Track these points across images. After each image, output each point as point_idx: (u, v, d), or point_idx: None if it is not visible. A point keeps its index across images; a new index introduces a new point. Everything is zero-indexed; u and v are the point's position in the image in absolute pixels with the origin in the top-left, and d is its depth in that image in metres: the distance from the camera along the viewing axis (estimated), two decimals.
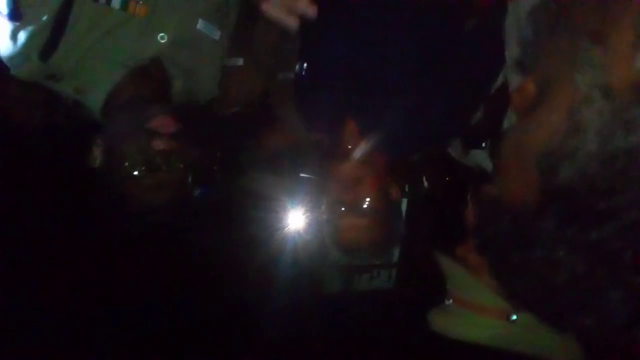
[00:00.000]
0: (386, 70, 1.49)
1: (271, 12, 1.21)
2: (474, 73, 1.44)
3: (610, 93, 0.55)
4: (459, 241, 1.08)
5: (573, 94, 0.58)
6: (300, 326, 2.24)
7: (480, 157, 1.56)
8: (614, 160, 0.53)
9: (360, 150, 1.46)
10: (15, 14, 1.30)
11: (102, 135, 1.46)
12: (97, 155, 1.45)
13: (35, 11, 1.33)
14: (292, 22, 1.19)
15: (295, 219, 1.74)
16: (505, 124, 1.36)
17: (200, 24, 1.53)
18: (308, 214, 1.69)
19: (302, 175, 1.68)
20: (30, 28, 1.33)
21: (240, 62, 1.71)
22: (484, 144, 1.54)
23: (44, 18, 1.33)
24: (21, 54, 1.37)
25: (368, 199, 1.42)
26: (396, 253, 2.25)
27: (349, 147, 1.49)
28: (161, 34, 1.47)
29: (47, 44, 1.36)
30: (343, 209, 1.44)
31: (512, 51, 1.24)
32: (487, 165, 1.51)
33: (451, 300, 1.11)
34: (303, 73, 1.60)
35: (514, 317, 1.01)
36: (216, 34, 1.57)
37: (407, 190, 1.61)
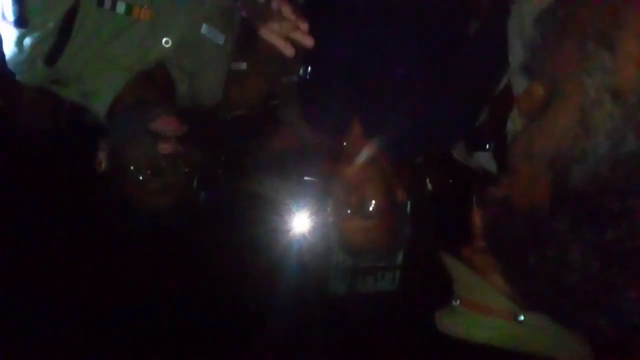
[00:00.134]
0: (390, 73, 1.50)
1: (269, 38, 1.25)
2: (478, 75, 1.45)
3: (620, 96, 0.55)
4: (464, 243, 1.09)
5: (582, 98, 0.58)
6: (305, 328, 2.25)
7: (484, 159, 1.56)
8: (625, 162, 0.54)
9: (365, 153, 1.46)
10: (21, 21, 1.31)
11: (107, 139, 1.46)
12: (102, 160, 1.45)
13: (41, 18, 1.34)
14: (288, 51, 1.25)
15: (301, 222, 1.75)
16: (509, 125, 1.36)
17: (204, 29, 1.54)
18: (313, 217, 1.69)
19: (307, 178, 1.68)
20: (36, 34, 1.34)
21: (244, 66, 1.72)
22: (487, 146, 1.54)
23: (50, 24, 1.34)
24: (27, 60, 1.37)
25: (374, 201, 1.42)
26: (401, 255, 2.25)
27: (354, 149, 1.49)
28: (165, 39, 1.48)
29: (52, 49, 1.36)
30: (349, 211, 1.44)
31: (516, 54, 1.25)
32: (491, 167, 1.52)
33: (458, 302, 1.12)
34: (307, 76, 1.60)
35: (521, 317, 1.02)
36: (220, 39, 1.57)
37: (411, 192, 1.61)
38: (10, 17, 1.32)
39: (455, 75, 1.46)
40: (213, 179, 1.71)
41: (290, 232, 1.76)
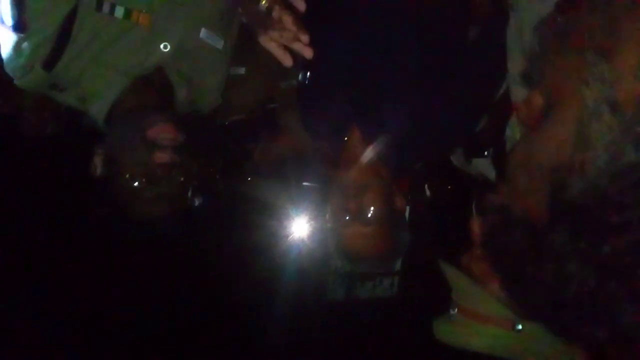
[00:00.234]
0: (389, 79, 1.49)
1: (268, 47, 1.25)
2: (477, 82, 1.45)
3: (619, 108, 0.55)
4: (462, 250, 1.08)
5: (581, 109, 0.58)
6: (303, 333, 2.24)
7: (483, 166, 1.56)
8: (624, 175, 0.53)
9: (364, 159, 1.46)
10: (20, 26, 1.31)
11: (103, 144, 1.46)
12: (98, 164, 1.45)
13: (40, 23, 1.33)
14: (287, 61, 1.26)
15: (299, 228, 1.75)
16: (508, 132, 1.36)
17: (203, 33, 1.53)
18: (312, 223, 1.69)
19: (305, 183, 1.68)
20: (34, 39, 1.34)
21: (242, 71, 1.72)
22: (486, 153, 1.54)
23: (49, 29, 1.34)
24: (25, 65, 1.37)
25: (373, 208, 1.42)
26: (399, 261, 2.25)
27: (353, 155, 1.49)
28: (164, 43, 1.47)
29: (51, 54, 1.36)
30: (348, 217, 1.44)
31: (515, 62, 1.24)
32: (490, 173, 1.51)
33: (456, 310, 1.11)
34: (306, 82, 1.60)
35: (519, 326, 1.02)
36: (219, 43, 1.57)
37: (409, 198, 1.61)
38: (9, 21, 1.32)
39: (454, 82, 1.46)
40: (211, 183, 1.70)
41: (289, 238, 1.76)
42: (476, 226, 0.96)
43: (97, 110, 1.45)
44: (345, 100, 1.52)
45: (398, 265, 2.30)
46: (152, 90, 1.49)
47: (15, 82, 1.43)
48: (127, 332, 2.02)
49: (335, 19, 1.52)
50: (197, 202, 1.51)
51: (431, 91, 1.47)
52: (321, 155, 1.65)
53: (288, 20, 1.24)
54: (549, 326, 0.71)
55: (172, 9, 1.47)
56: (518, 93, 1.23)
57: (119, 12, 1.40)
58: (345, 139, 1.53)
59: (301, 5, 1.26)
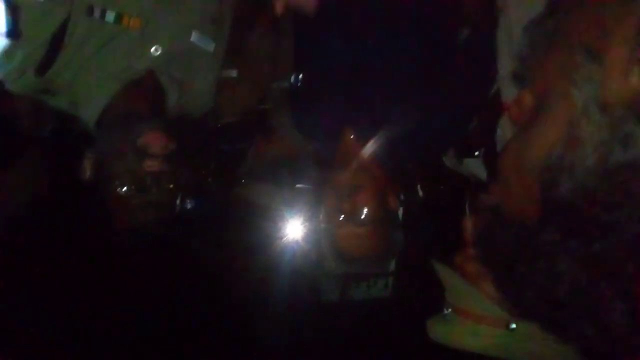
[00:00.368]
0: (381, 80, 1.50)
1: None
2: (468, 83, 1.46)
3: (607, 108, 0.55)
4: (456, 250, 1.09)
5: (570, 109, 0.58)
6: (297, 335, 2.24)
7: (474, 166, 1.57)
8: (613, 174, 0.54)
9: (357, 160, 1.46)
10: (14, 32, 1.30)
11: (93, 149, 1.45)
12: (87, 168, 1.45)
13: (34, 30, 1.33)
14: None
15: (293, 229, 1.74)
16: (499, 132, 1.37)
17: (194, 36, 1.54)
18: (305, 224, 1.69)
19: (298, 185, 1.68)
20: (28, 46, 1.34)
21: (234, 73, 1.72)
22: (477, 153, 1.55)
23: (43, 36, 1.34)
24: (17, 70, 1.37)
25: (366, 208, 1.42)
26: (393, 262, 2.25)
27: (346, 156, 1.49)
28: (155, 47, 1.48)
29: (43, 59, 1.36)
30: (341, 218, 1.44)
31: (505, 63, 1.25)
32: (481, 173, 1.52)
33: (450, 310, 1.12)
34: (298, 83, 1.61)
35: (513, 326, 1.02)
36: (210, 46, 1.57)
37: (402, 198, 1.61)
38: (2, 28, 1.31)
39: (445, 83, 1.47)
40: (203, 186, 1.70)
41: (282, 239, 1.76)
42: (469, 226, 0.96)
43: (88, 114, 1.45)
44: (337, 101, 1.53)
45: (392, 265, 2.30)
46: (143, 94, 1.49)
47: (6, 86, 1.43)
48: (117, 336, 2.01)
49: (327, 21, 1.53)
50: (188, 206, 1.51)
51: (423, 92, 1.47)
52: (314, 157, 1.65)
53: None
54: (542, 325, 0.71)
55: (163, 13, 1.47)
56: (508, 93, 1.23)
57: (110, 16, 1.40)
58: (338, 140, 1.53)
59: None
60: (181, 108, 1.59)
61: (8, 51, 1.34)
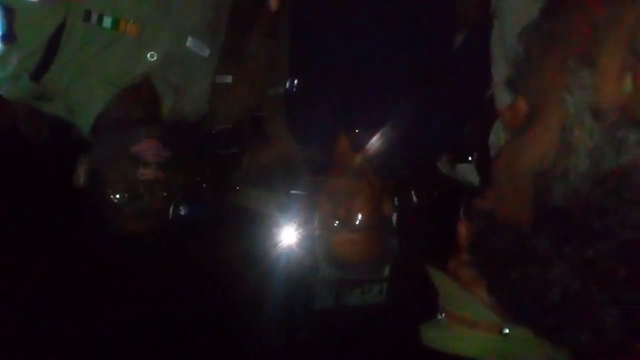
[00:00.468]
0: (375, 85, 1.51)
1: None
2: (463, 88, 1.46)
3: (600, 114, 0.56)
4: (450, 255, 1.09)
5: (564, 115, 0.59)
6: (291, 341, 2.24)
7: (467, 171, 1.57)
8: (606, 180, 0.54)
9: (352, 165, 1.47)
10: (9, 36, 1.30)
11: (88, 155, 1.45)
12: (81, 174, 1.44)
13: (30, 34, 1.33)
14: None
15: (287, 235, 1.74)
16: (492, 137, 1.37)
17: (189, 42, 1.54)
18: (300, 230, 1.69)
19: (293, 191, 1.68)
20: (23, 50, 1.33)
21: (229, 79, 1.72)
22: (470, 158, 1.55)
23: (38, 41, 1.33)
24: (12, 75, 1.36)
25: (361, 214, 1.43)
26: (387, 268, 2.25)
27: (341, 162, 1.50)
28: (151, 52, 1.47)
29: (39, 65, 1.36)
30: (336, 224, 1.44)
31: (499, 69, 1.26)
32: (474, 179, 1.53)
33: (443, 315, 1.12)
34: (293, 89, 1.61)
35: (507, 331, 1.02)
36: (205, 51, 1.57)
37: (396, 204, 1.61)
38: None
39: (440, 88, 1.47)
40: (198, 192, 1.70)
41: (277, 245, 1.76)
42: (463, 231, 0.96)
43: (84, 120, 1.45)
44: (332, 107, 1.53)
45: (386, 271, 2.30)
46: (139, 99, 1.49)
47: (1, 92, 1.42)
48: (112, 344, 2.00)
49: (322, 26, 1.53)
50: (182, 212, 1.50)
51: (417, 97, 1.48)
52: (309, 163, 1.65)
53: None
54: (535, 330, 0.71)
55: (160, 18, 1.47)
56: (502, 99, 1.24)
57: (107, 22, 1.40)
58: (333, 146, 1.54)
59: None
60: (176, 113, 1.58)
61: (2, 56, 1.34)
